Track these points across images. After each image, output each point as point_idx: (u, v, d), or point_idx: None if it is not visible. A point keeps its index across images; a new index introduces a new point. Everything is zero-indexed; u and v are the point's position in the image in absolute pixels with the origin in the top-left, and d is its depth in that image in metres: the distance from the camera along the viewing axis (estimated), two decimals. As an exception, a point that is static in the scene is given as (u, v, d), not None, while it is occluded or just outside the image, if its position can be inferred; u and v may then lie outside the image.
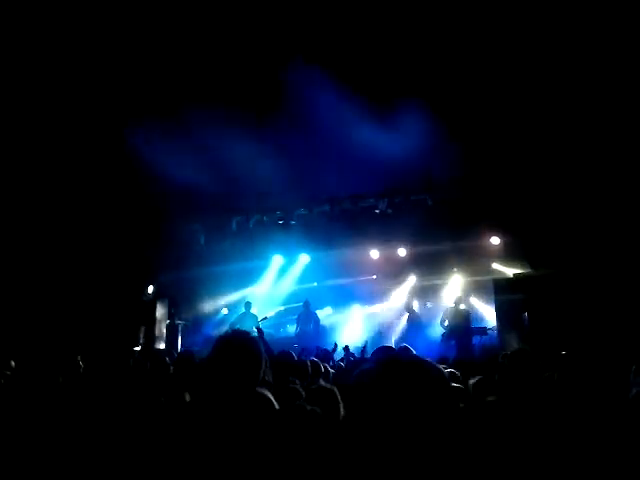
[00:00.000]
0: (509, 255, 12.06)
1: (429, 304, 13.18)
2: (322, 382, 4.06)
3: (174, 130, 10.80)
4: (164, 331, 12.60)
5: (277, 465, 2.02)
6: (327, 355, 8.84)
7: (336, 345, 10.20)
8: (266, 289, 13.94)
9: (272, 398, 2.29)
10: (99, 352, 6.56)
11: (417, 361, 1.62)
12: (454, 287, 12.90)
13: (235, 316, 12.73)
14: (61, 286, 11.01)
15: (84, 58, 9.60)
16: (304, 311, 12.88)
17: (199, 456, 2.05)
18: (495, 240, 12.46)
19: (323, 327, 12.95)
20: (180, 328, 13.08)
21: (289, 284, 14.05)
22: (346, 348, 9.02)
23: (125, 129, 10.44)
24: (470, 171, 11.39)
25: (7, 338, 8.76)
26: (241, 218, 13.80)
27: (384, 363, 1.63)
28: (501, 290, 11.19)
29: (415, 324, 12.23)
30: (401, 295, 13.41)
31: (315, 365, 5.02)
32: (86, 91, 10.01)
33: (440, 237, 12.10)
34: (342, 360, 8.13)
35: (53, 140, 10.35)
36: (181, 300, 13.33)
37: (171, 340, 12.59)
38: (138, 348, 11.00)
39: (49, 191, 10.70)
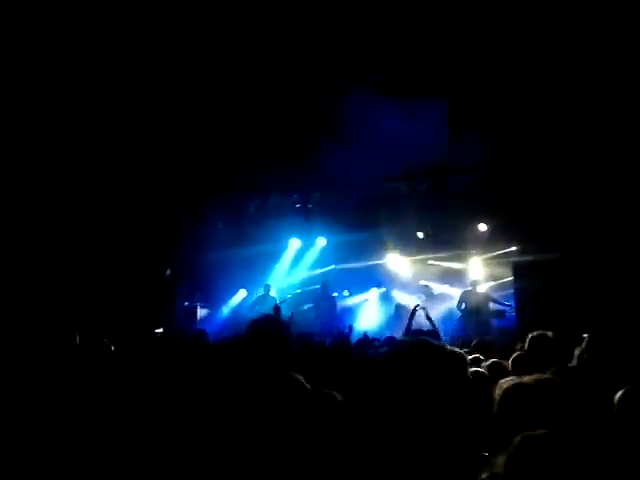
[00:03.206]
0: (529, 239, 11.98)
1: (447, 287, 13.16)
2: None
3: (192, 112, 10.79)
4: (183, 313, 12.75)
5: (310, 449, 2.06)
6: (345, 337, 8.90)
7: (351, 327, 10.24)
8: (284, 272, 14.01)
9: (304, 382, 2.35)
10: (121, 335, 6.64)
11: (431, 345, 1.67)
12: (472, 270, 12.86)
13: (254, 298, 12.84)
14: (81, 270, 11.14)
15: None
16: (322, 294, 12.94)
17: (235, 437, 2.11)
18: (515, 224, 12.38)
19: (341, 309, 13.01)
20: (198, 310, 13.22)
21: (307, 267, 14.10)
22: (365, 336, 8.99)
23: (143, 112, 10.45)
24: (490, 155, 11.30)
25: (28, 323, 8.90)
26: (259, 202, 13.83)
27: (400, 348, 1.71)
28: (520, 273, 11.17)
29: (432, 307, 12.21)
30: (420, 278, 13.43)
31: (337, 348, 5.06)
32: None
33: (459, 221, 12.06)
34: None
35: (70, 121, 10.39)
36: (199, 282, 13.45)
37: (189, 322, 12.73)
38: (160, 330, 11.10)
39: (69, 173, 10.79)
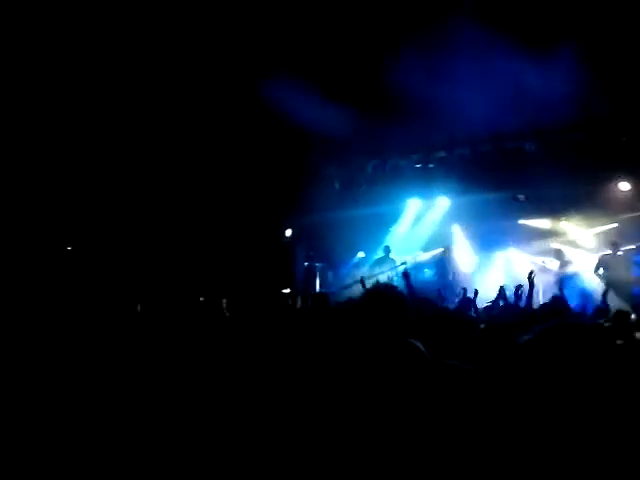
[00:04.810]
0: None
1: (582, 251, 12.20)
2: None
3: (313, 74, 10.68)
4: (303, 273, 12.92)
5: (427, 416, 1.98)
6: (469, 303, 8.48)
7: (477, 291, 9.73)
8: (403, 233, 13.66)
9: (423, 349, 2.22)
10: (247, 294, 6.76)
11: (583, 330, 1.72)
12: (612, 232, 11.78)
13: (373, 260, 12.68)
14: (203, 230, 11.58)
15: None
16: (443, 257, 12.55)
17: (352, 398, 2.09)
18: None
19: (463, 273, 12.52)
20: (318, 270, 13.32)
21: (427, 228, 13.64)
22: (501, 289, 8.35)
23: (265, 71, 10.46)
24: (634, 104, 10.17)
25: (150, 284, 9.39)
26: (377, 162, 13.53)
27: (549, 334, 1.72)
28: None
29: (567, 272, 11.45)
30: (552, 241, 12.58)
31: (460, 314, 4.74)
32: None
33: (597, 179, 11.03)
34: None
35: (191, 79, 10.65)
36: (318, 243, 13.51)
37: (309, 282, 12.89)
38: (287, 290, 11.22)
39: (190, 133, 11.15)
